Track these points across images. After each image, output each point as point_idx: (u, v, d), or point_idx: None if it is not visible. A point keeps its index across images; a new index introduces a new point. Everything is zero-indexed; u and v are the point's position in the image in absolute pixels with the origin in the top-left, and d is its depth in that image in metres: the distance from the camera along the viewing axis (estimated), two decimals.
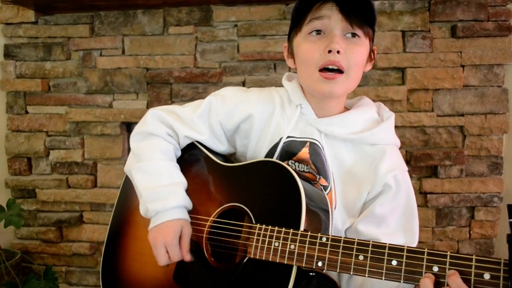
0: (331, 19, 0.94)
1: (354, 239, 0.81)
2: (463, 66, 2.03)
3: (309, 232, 0.85)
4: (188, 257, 0.99)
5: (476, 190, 2.06)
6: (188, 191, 1.06)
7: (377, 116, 1.07)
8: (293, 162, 1.04)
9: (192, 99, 2.08)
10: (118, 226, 1.17)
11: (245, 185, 1.01)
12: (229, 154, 1.19)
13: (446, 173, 2.07)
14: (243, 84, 2.14)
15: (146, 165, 1.05)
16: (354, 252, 0.79)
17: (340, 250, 0.81)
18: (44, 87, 2.24)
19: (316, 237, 0.83)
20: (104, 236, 1.18)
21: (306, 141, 1.04)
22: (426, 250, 0.74)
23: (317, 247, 0.83)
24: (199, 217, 1.03)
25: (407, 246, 0.76)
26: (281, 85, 1.13)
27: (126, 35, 2.18)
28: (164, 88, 2.17)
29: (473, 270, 0.69)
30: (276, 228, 0.88)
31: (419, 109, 2.06)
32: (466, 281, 0.69)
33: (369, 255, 0.78)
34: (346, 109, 1.10)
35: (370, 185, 1.00)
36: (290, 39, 1.06)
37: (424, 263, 0.73)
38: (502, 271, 0.68)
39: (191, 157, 1.12)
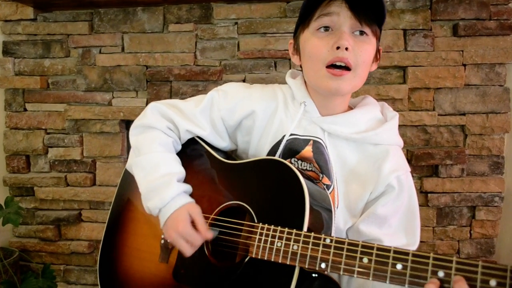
0: (340, 16, 0.93)
1: (359, 241, 0.80)
2: (464, 65, 2.03)
3: (313, 232, 0.84)
4: (209, 235, 0.97)
5: (477, 189, 2.05)
6: None
7: (380, 116, 1.07)
8: (296, 160, 1.03)
9: (192, 97, 2.07)
10: (116, 222, 1.16)
11: (247, 183, 1.01)
12: (230, 151, 1.18)
13: (447, 172, 2.06)
14: (243, 82, 2.13)
15: (144, 159, 1.05)
16: (358, 255, 0.79)
17: (344, 252, 0.80)
18: (43, 85, 2.22)
19: (319, 238, 0.83)
20: (103, 233, 1.17)
21: (310, 139, 1.03)
22: (431, 255, 0.73)
23: (320, 248, 0.82)
24: None
25: (413, 250, 0.75)
26: (282, 83, 1.13)
27: (125, 32, 2.17)
28: (163, 86, 2.16)
29: (479, 276, 0.68)
30: (279, 228, 0.87)
31: (420, 108, 2.06)
32: (472, 287, 0.68)
33: (373, 258, 0.77)
34: (350, 108, 1.09)
35: (372, 185, 1.00)
36: (296, 36, 1.05)
37: (430, 267, 0.72)
38: (508, 278, 0.66)
39: (192, 153, 1.11)
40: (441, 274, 0.71)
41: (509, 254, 2.08)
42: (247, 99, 1.08)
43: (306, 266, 0.83)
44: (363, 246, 0.79)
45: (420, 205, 1.03)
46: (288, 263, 0.84)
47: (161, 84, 2.16)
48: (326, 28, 0.95)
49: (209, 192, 1.05)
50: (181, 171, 1.05)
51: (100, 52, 2.19)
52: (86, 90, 2.20)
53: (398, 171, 0.99)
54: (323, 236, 0.83)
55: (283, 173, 0.93)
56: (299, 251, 0.83)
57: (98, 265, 1.14)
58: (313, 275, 0.86)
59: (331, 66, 0.94)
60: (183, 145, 1.13)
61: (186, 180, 1.06)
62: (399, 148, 1.05)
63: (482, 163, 2.07)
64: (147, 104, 2.16)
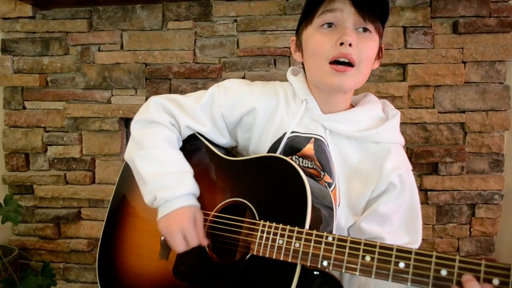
0: (344, 12, 0.93)
1: (361, 239, 0.80)
2: (464, 63, 2.03)
3: (315, 230, 0.84)
4: (205, 242, 0.97)
5: (477, 187, 2.05)
6: None
7: (382, 114, 1.07)
8: (297, 157, 1.03)
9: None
10: (115, 218, 1.15)
11: (248, 180, 1.00)
12: (231, 147, 1.18)
13: (447, 170, 2.06)
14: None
15: (150, 153, 1.04)
16: (360, 253, 0.78)
17: (347, 250, 0.80)
18: (42, 83, 2.22)
19: (322, 236, 0.82)
20: (102, 229, 1.17)
21: (311, 137, 1.03)
22: (434, 253, 0.73)
23: (322, 246, 0.82)
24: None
25: (415, 249, 0.75)
26: (281, 81, 1.12)
27: (124, 30, 2.17)
28: (163, 83, 2.16)
29: (482, 275, 0.69)
30: (281, 226, 0.87)
31: (420, 106, 2.06)
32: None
33: (376, 256, 0.77)
34: (352, 106, 1.09)
35: (374, 183, 1.00)
36: (298, 33, 1.04)
37: (432, 266, 0.72)
38: (511, 277, 0.66)
39: (193, 149, 1.11)
40: (444, 272, 0.71)
41: (508, 252, 2.08)
42: (248, 96, 1.08)
43: (308, 264, 0.82)
44: (365, 244, 0.79)
45: (420, 203, 1.03)
46: (289, 260, 0.84)
47: (160, 81, 2.16)
48: (330, 25, 0.95)
49: (210, 189, 1.04)
50: (191, 169, 1.05)
51: (99, 50, 2.19)
52: (85, 88, 2.20)
53: (399, 169, 0.99)
54: (325, 234, 0.83)
55: (284, 170, 0.92)
56: (301, 249, 0.83)
57: (97, 262, 1.13)
58: (315, 272, 0.86)
59: (334, 62, 0.93)
60: (184, 141, 1.12)
61: None
62: (400, 147, 1.05)
63: (482, 161, 2.07)
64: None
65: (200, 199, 1.03)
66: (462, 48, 2.01)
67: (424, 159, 2.04)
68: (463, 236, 2.10)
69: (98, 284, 1.10)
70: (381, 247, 0.77)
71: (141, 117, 1.10)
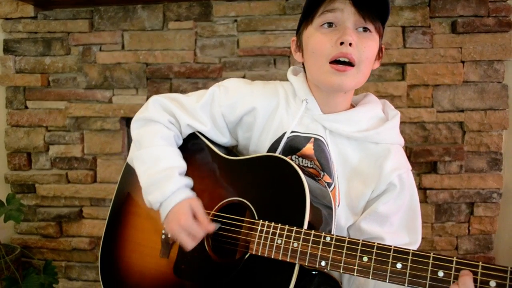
0: (344, 12, 0.93)
1: (359, 240, 0.80)
2: (463, 62, 2.03)
3: (313, 230, 0.84)
4: (211, 228, 0.97)
5: (475, 186, 2.06)
6: None
7: (382, 114, 1.06)
8: (296, 157, 1.03)
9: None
10: (117, 217, 1.16)
11: (247, 180, 1.01)
12: (231, 146, 1.18)
13: (445, 169, 2.07)
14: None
15: (145, 152, 1.05)
16: (358, 253, 0.79)
17: (344, 251, 0.80)
18: (44, 82, 2.23)
19: (320, 236, 0.83)
20: (104, 228, 1.18)
21: (311, 137, 1.03)
22: (432, 254, 0.73)
23: (320, 246, 0.83)
24: None
25: (413, 250, 0.75)
26: (281, 80, 1.12)
27: (125, 30, 2.18)
28: (164, 83, 2.17)
29: (479, 277, 0.69)
30: (279, 225, 0.88)
31: (419, 105, 2.06)
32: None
33: (373, 257, 0.78)
34: (352, 106, 1.09)
35: (374, 183, 1.00)
36: (299, 33, 1.04)
37: (429, 267, 0.73)
38: (508, 279, 0.67)
39: (193, 148, 1.11)
40: (441, 274, 0.72)
41: (507, 250, 2.09)
42: (249, 96, 1.08)
43: (306, 264, 0.83)
44: (363, 245, 0.79)
45: (419, 203, 1.04)
46: (288, 260, 0.85)
47: (161, 81, 2.17)
48: (330, 24, 0.95)
49: (210, 188, 1.05)
50: (182, 165, 1.05)
51: (100, 50, 2.20)
52: (87, 87, 2.21)
53: (399, 169, 0.99)
54: (323, 234, 0.83)
55: (283, 169, 0.93)
56: (299, 249, 0.84)
57: (99, 260, 1.14)
58: (313, 272, 0.87)
59: (335, 61, 0.93)
60: (184, 141, 1.13)
61: (186, 175, 1.06)
62: (400, 147, 1.05)
63: (481, 160, 2.08)
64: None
65: (200, 198, 1.03)
66: (461, 48, 2.02)
67: (423, 158, 2.05)
68: (462, 235, 2.11)
69: (101, 282, 1.11)
70: (378, 248, 0.78)
71: (140, 115, 1.11)
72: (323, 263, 0.82)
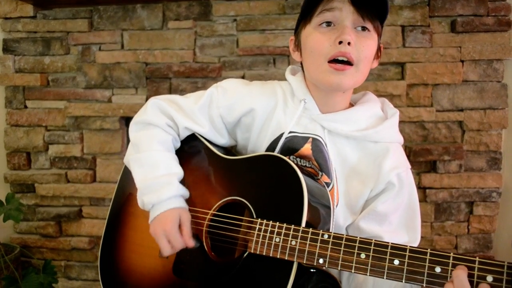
0: (343, 11, 0.93)
1: (356, 237, 0.80)
2: (462, 61, 2.03)
3: (311, 228, 0.84)
4: (191, 243, 0.98)
5: (475, 185, 2.06)
6: (187, 183, 1.05)
7: (381, 113, 1.06)
8: (294, 157, 1.03)
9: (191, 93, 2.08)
10: (117, 217, 1.16)
11: (246, 179, 1.01)
12: (230, 147, 1.18)
13: (445, 168, 2.07)
14: (243, 79, 2.13)
15: (143, 156, 1.05)
16: (356, 251, 0.79)
17: (342, 248, 0.80)
18: (43, 82, 2.23)
19: (317, 234, 0.83)
20: (104, 228, 1.18)
21: (309, 137, 1.03)
22: (429, 250, 0.73)
23: (318, 244, 0.83)
24: (198, 210, 1.03)
25: (410, 246, 0.75)
26: (281, 80, 1.12)
27: (125, 29, 2.18)
28: (163, 82, 2.17)
29: (476, 272, 0.69)
30: (278, 224, 0.88)
31: (418, 104, 2.06)
32: (469, 283, 0.69)
33: (371, 253, 0.78)
34: (351, 104, 1.08)
35: (373, 182, 1.00)
36: (297, 32, 1.04)
37: (427, 263, 0.73)
38: (505, 274, 0.67)
39: (191, 149, 1.12)
40: (438, 269, 0.72)
41: (507, 249, 2.09)
42: (247, 96, 1.08)
43: (304, 262, 0.83)
44: (360, 242, 0.79)
45: (418, 202, 1.04)
46: (286, 258, 0.85)
47: (160, 81, 2.17)
48: (328, 23, 0.95)
49: (208, 187, 1.05)
50: (180, 172, 1.06)
51: (99, 49, 2.20)
52: (86, 87, 2.21)
53: (398, 168, 0.99)
54: (321, 231, 0.83)
55: (282, 169, 0.93)
56: (297, 247, 0.84)
57: (99, 260, 1.14)
58: (311, 270, 0.87)
59: (333, 61, 0.93)
60: (182, 141, 1.13)
61: (185, 176, 1.06)
62: (399, 146, 1.05)
63: (480, 159, 2.08)
64: (147, 101, 2.16)
65: (198, 198, 1.04)
66: (460, 47, 2.02)
67: (422, 157, 2.05)
68: (461, 234, 2.11)
69: (100, 282, 1.11)
70: (376, 245, 0.78)
71: (138, 118, 1.11)
72: (321, 261, 0.82)
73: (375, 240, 0.79)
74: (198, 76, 2.15)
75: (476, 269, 0.69)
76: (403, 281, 0.74)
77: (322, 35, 0.95)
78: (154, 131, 1.08)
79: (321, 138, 1.02)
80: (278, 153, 1.03)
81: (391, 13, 2.02)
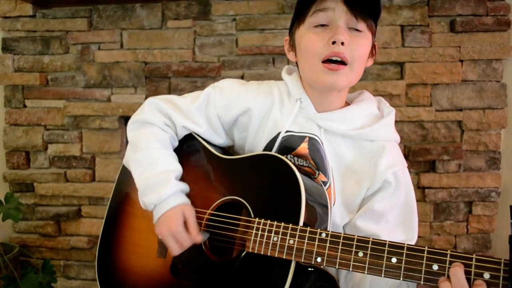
0: (336, 11, 0.93)
1: (354, 235, 0.81)
2: (461, 61, 2.03)
3: (308, 227, 0.84)
4: (199, 239, 0.97)
5: (474, 185, 2.06)
6: (185, 182, 1.05)
7: (377, 112, 1.06)
8: (291, 157, 1.03)
9: (189, 93, 2.08)
10: (115, 217, 1.16)
11: (243, 179, 1.01)
12: (228, 147, 1.19)
13: (444, 167, 2.07)
14: (242, 78, 2.13)
15: (141, 155, 1.05)
16: (353, 249, 0.79)
17: (340, 247, 0.81)
18: (42, 81, 2.23)
19: (315, 233, 0.83)
20: (101, 228, 1.18)
21: (305, 136, 1.03)
22: (426, 248, 0.74)
23: (316, 243, 0.83)
24: (197, 210, 1.03)
25: (407, 244, 0.76)
26: (280, 79, 1.12)
27: (124, 29, 2.18)
28: (162, 82, 2.17)
29: (473, 269, 0.69)
30: (275, 223, 0.88)
31: (417, 104, 2.06)
32: (466, 280, 0.69)
33: (368, 252, 0.78)
34: (347, 103, 1.08)
35: (369, 181, 1.00)
36: (291, 32, 1.05)
37: (424, 261, 0.73)
38: (502, 271, 0.67)
39: (189, 149, 1.12)
40: (435, 267, 0.72)
41: (506, 249, 2.08)
42: (243, 96, 1.08)
43: (302, 260, 0.83)
44: (358, 240, 0.80)
45: (417, 201, 1.03)
46: (284, 257, 0.85)
47: (159, 80, 2.17)
48: (322, 24, 0.95)
49: (206, 187, 1.05)
50: (178, 168, 1.06)
51: (99, 49, 2.20)
52: (85, 86, 2.21)
53: (394, 166, 0.99)
54: (319, 230, 0.83)
55: (279, 168, 0.93)
56: (295, 245, 0.84)
57: (96, 260, 1.14)
58: (309, 269, 0.87)
59: (327, 61, 0.93)
60: (180, 141, 1.13)
61: (183, 176, 1.07)
62: (395, 144, 1.06)
63: (479, 159, 2.08)
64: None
65: (196, 198, 1.04)
66: (459, 47, 2.02)
67: (421, 157, 2.05)
68: (460, 234, 2.11)
69: (98, 283, 1.11)
70: (373, 243, 0.78)
71: (136, 118, 1.11)
72: (319, 259, 0.82)
73: (372, 239, 0.79)
74: (197, 76, 2.15)
75: (473, 266, 0.70)
76: (401, 279, 0.74)
77: (315, 36, 0.95)
78: (152, 129, 1.08)
79: (318, 137, 1.03)
80: (275, 152, 1.04)
81: (390, 13, 2.02)
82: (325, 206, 0.94)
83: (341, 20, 0.93)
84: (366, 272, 0.77)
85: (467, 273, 0.69)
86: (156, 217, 1.00)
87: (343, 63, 0.93)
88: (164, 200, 0.99)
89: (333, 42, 0.92)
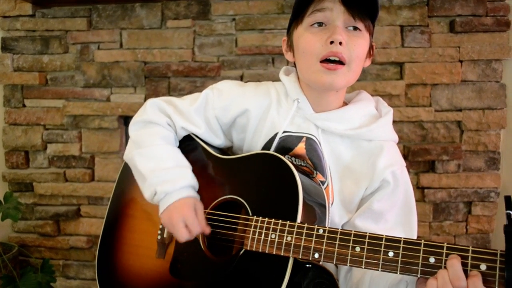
0: (333, 11, 0.93)
1: (351, 230, 0.81)
2: (461, 61, 2.04)
3: (306, 224, 0.84)
4: (208, 230, 0.98)
5: (473, 185, 2.06)
6: None
7: (375, 111, 1.06)
8: (289, 157, 1.03)
9: (190, 93, 2.05)
10: (114, 218, 1.16)
11: (241, 178, 1.01)
12: (226, 148, 1.19)
13: (443, 168, 2.07)
14: (241, 78, 2.14)
15: (148, 150, 1.05)
16: (350, 244, 0.79)
17: (337, 242, 0.81)
18: (42, 81, 2.23)
19: (313, 229, 0.83)
20: (101, 229, 1.18)
21: (303, 136, 1.03)
22: (422, 241, 0.74)
23: (313, 239, 0.83)
24: None
25: (404, 238, 0.75)
26: (278, 80, 1.12)
27: (124, 28, 2.18)
28: (162, 82, 2.17)
29: (469, 261, 0.70)
30: (273, 220, 0.88)
31: (417, 104, 2.07)
32: (463, 272, 0.69)
33: (365, 246, 0.78)
34: (345, 103, 1.08)
35: (368, 181, 1.00)
36: (289, 32, 1.05)
37: (421, 254, 0.73)
38: (498, 262, 0.68)
39: (188, 149, 1.12)
40: (432, 260, 0.72)
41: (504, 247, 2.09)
42: (241, 97, 1.09)
43: (300, 257, 0.83)
44: (355, 235, 0.80)
45: (416, 201, 1.03)
46: (282, 254, 0.85)
47: (159, 80, 2.17)
48: (320, 24, 0.95)
49: (205, 186, 1.05)
50: (189, 164, 1.06)
51: (98, 48, 2.20)
52: (85, 86, 2.21)
53: (393, 166, 0.99)
54: (316, 227, 0.83)
55: (277, 167, 0.93)
56: (292, 242, 0.84)
57: (96, 260, 1.14)
58: (307, 265, 0.87)
59: (325, 60, 0.93)
60: (179, 141, 1.14)
61: None
62: (394, 144, 1.05)
63: (478, 159, 2.08)
64: (145, 100, 2.16)
65: None
66: (459, 47, 2.02)
67: (421, 157, 2.06)
68: (460, 234, 2.11)
69: (97, 283, 1.11)
70: (370, 238, 0.78)
71: (138, 118, 1.11)
72: (316, 255, 0.82)
73: (369, 233, 0.79)
74: (197, 75, 2.15)
75: (469, 258, 0.70)
76: (398, 273, 0.75)
77: (313, 36, 0.95)
78: (156, 128, 1.09)
79: (315, 137, 1.03)
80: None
81: (390, 13, 2.02)
82: (323, 206, 0.94)
83: (339, 20, 0.93)
84: (363, 267, 0.77)
85: (464, 265, 0.69)
86: (164, 205, 1.00)
87: (341, 62, 0.93)
88: (177, 190, 0.99)
89: (331, 42, 0.92)
